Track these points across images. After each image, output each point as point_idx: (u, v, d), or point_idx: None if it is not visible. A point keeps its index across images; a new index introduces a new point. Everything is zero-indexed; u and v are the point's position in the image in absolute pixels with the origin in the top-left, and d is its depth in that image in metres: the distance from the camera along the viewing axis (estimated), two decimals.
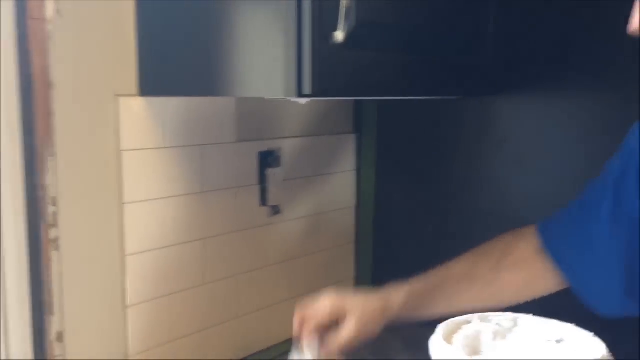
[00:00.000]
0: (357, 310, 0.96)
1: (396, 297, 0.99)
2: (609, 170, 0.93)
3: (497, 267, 1.00)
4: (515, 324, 0.85)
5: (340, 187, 1.49)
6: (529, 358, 0.77)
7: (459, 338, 0.82)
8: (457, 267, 1.02)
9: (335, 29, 0.86)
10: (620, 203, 0.89)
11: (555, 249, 0.97)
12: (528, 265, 0.99)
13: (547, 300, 1.19)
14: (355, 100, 1.51)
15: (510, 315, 0.86)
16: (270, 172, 1.30)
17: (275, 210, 1.33)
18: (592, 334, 0.79)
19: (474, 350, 0.81)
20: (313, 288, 1.45)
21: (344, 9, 0.85)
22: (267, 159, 1.30)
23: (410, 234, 1.45)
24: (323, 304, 0.96)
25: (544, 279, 0.98)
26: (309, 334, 0.95)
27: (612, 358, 0.75)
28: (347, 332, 0.95)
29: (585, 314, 0.90)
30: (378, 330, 0.98)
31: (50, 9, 0.93)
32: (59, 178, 0.96)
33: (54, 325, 0.97)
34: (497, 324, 0.85)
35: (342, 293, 0.99)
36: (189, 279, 1.17)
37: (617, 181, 0.91)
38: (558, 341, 0.80)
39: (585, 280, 0.93)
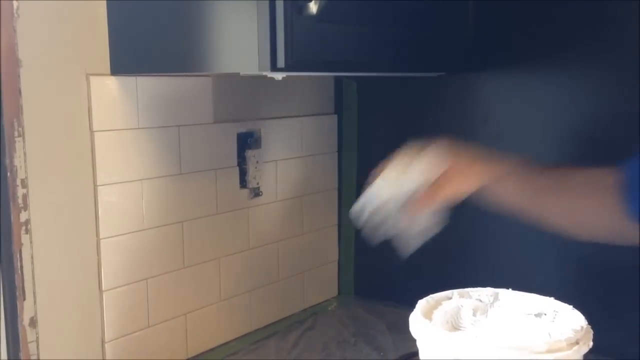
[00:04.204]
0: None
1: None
2: None
3: None
4: (496, 299, 0.84)
5: (321, 168, 1.47)
6: (509, 333, 0.76)
7: (438, 314, 0.81)
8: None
9: (309, 1, 0.84)
10: None
11: None
12: None
13: (526, 274, 1.18)
14: (336, 80, 1.49)
15: (490, 290, 0.85)
16: (249, 153, 1.28)
17: (256, 193, 1.31)
18: (571, 306, 0.79)
19: (454, 326, 0.80)
20: (295, 271, 1.44)
21: None
22: (247, 140, 1.28)
23: None
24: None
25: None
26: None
27: (591, 331, 0.74)
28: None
29: (564, 287, 0.90)
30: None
31: None
32: (29, 159, 0.94)
33: (26, 310, 0.94)
34: (477, 299, 0.84)
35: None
36: (167, 262, 1.15)
37: None
38: (538, 315, 0.79)
39: None
